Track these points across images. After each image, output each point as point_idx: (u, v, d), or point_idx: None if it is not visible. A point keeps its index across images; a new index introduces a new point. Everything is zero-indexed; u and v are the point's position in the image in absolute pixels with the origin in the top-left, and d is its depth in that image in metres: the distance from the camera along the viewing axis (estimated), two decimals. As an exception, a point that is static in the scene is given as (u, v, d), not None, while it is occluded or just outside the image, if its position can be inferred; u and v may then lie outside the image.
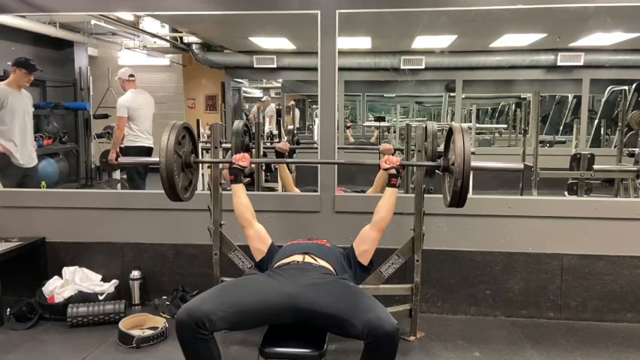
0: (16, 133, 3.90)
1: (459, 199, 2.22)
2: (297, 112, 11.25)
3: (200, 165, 2.63)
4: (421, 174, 2.65)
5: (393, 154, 3.46)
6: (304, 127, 12.51)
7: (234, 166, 2.50)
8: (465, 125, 2.31)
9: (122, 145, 4.80)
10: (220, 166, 2.85)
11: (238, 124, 3.68)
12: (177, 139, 2.34)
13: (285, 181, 3.58)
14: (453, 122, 2.38)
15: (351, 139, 9.36)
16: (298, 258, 2.26)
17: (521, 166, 2.36)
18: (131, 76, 4.92)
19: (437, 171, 2.59)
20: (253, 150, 3.87)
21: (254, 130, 3.90)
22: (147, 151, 4.84)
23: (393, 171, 2.43)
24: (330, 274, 2.18)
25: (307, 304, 1.94)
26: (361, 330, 1.81)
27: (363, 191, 3.77)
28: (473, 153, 2.23)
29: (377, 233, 2.39)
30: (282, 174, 3.59)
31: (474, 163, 2.17)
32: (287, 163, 3.65)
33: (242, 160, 2.51)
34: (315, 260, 2.24)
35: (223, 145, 3.74)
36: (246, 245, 2.50)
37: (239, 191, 2.50)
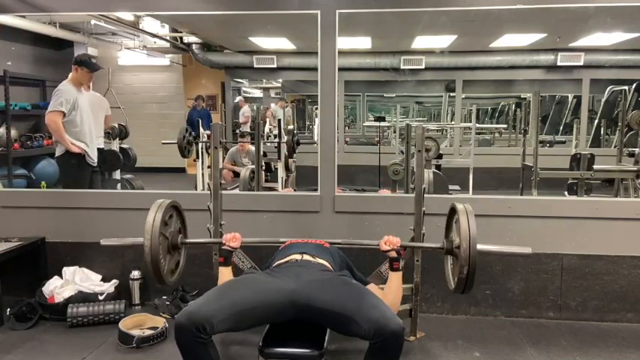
0: (87, 134, 3.89)
1: (465, 286, 2.07)
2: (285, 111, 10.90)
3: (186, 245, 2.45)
4: (421, 174, 2.65)
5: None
6: (303, 127, 12.51)
7: (224, 247, 2.32)
8: (470, 207, 2.14)
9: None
10: (221, 164, 2.85)
11: (245, 172, 3.71)
12: (163, 220, 2.20)
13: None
14: (456, 203, 2.23)
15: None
16: (297, 257, 2.26)
17: (528, 250, 2.20)
18: None
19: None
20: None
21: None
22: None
23: (394, 254, 2.23)
24: (329, 271, 2.19)
25: (308, 301, 1.93)
26: (367, 330, 1.80)
27: (364, 190, 3.78)
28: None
29: None
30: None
31: (480, 247, 2.02)
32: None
33: (233, 240, 2.33)
34: (314, 258, 2.25)
35: (229, 189, 3.76)
36: (246, 245, 2.49)
37: (227, 274, 2.30)
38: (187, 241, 2.44)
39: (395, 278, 2.24)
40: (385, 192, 3.69)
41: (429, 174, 3.51)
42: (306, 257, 2.25)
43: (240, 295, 1.97)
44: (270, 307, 1.95)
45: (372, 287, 2.30)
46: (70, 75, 3.86)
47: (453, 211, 2.22)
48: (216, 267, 2.70)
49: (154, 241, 2.13)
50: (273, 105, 9.90)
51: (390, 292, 2.23)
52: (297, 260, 2.23)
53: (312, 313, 1.94)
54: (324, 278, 2.08)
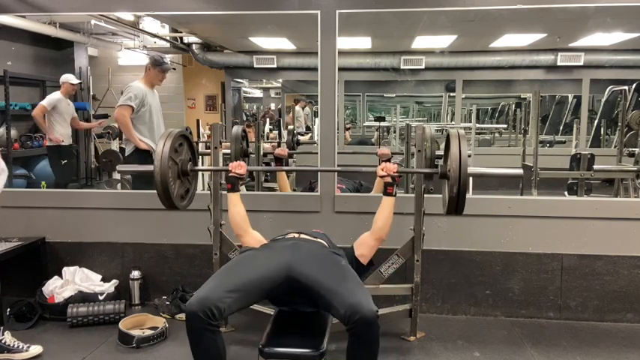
0: (155, 131, 3.92)
1: (456, 205, 2.16)
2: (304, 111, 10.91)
3: (198, 173, 2.60)
4: (421, 175, 2.65)
5: (390, 159, 3.44)
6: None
7: (231, 174, 2.48)
8: (462, 131, 2.23)
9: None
10: (221, 165, 2.85)
11: (237, 129, 3.71)
12: (172, 147, 2.31)
13: (282, 186, 3.58)
14: (451, 127, 2.32)
15: (349, 139, 9.38)
16: (294, 234, 2.35)
17: (520, 171, 2.27)
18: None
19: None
20: (253, 155, 3.90)
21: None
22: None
23: (389, 179, 2.39)
24: (325, 247, 2.26)
25: (300, 276, 1.98)
26: (343, 314, 1.84)
27: (361, 184, 3.79)
28: (469, 155, 2.19)
29: (375, 242, 2.41)
30: (280, 180, 3.59)
31: (471, 170, 2.12)
32: (284, 171, 3.65)
33: (238, 167, 2.48)
34: (310, 237, 2.33)
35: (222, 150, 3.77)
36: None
37: (236, 200, 2.48)
38: (196, 168, 2.57)
39: (387, 202, 2.40)
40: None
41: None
42: (303, 236, 2.34)
43: (242, 274, 2.02)
44: (269, 281, 2.01)
45: (364, 236, 2.43)
46: (143, 75, 3.98)
47: (448, 137, 2.28)
48: (216, 267, 2.72)
49: (163, 166, 2.24)
50: (307, 108, 10.07)
51: (381, 216, 2.38)
52: (294, 236, 2.33)
53: (300, 288, 1.99)
54: (319, 253, 2.16)
